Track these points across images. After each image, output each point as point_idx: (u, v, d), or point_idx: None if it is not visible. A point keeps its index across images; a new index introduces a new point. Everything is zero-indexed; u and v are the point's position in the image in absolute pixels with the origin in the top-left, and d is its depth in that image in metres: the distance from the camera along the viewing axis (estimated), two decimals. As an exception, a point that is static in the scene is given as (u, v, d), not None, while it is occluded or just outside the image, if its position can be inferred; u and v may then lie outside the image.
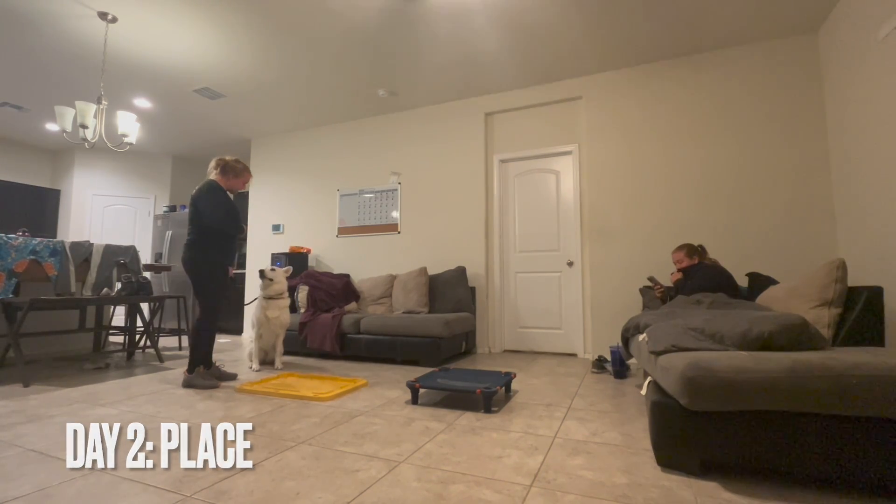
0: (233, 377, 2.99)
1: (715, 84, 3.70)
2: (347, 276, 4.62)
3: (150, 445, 1.74)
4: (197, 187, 2.83)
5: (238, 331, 5.83)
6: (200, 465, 1.56)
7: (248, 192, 6.33)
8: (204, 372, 2.80)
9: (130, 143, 3.49)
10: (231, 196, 2.97)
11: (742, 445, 1.41)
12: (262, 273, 3.44)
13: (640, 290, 3.54)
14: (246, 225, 3.12)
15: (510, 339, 4.36)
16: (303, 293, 4.39)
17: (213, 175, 2.92)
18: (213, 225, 2.77)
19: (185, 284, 5.74)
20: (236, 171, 2.97)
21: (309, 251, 5.22)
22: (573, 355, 4.07)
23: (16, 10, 3.18)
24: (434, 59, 3.89)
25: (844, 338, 1.93)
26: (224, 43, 3.63)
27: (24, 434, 1.89)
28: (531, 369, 3.40)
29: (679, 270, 3.12)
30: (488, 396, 2.23)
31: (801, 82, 3.45)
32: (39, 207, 6.10)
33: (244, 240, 2.96)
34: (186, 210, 6.07)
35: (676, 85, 3.83)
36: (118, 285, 3.97)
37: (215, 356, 3.98)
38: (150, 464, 1.57)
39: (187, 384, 2.74)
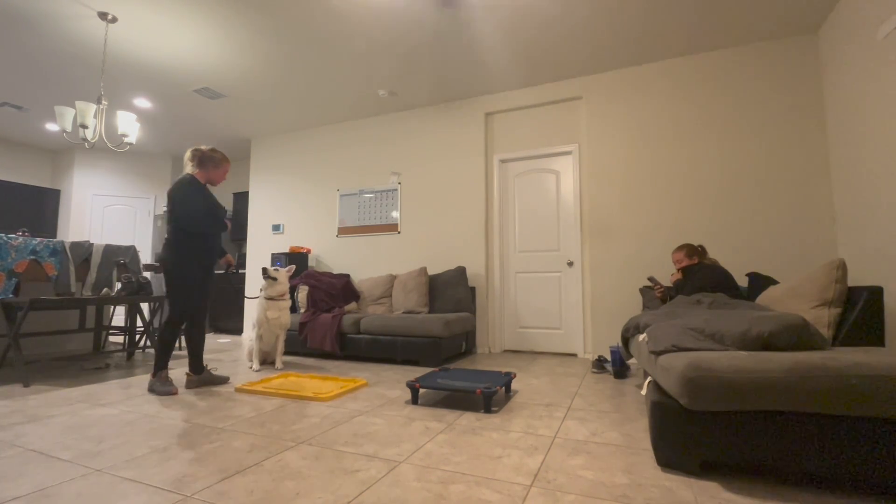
0: (224, 381, 2.90)
1: (715, 84, 3.71)
2: (347, 276, 4.62)
3: (150, 445, 1.75)
4: (173, 183, 2.68)
5: (238, 331, 5.83)
6: (201, 464, 1.56)
7: (248, 192, 6.34)
8: (165, 377, 2.64)
9: (130, 143, 3.49)
10: (210, 189, 2.81)
11: (742, 445, 1.41)
12: (265, 272, 3.39)
13: (640, 290, 3.54)
14: (227, 218, 2.98)
15: (510, 339, 4.36)
16: (303, 293, 4.39)
17: (188, 168, 2.74)
18: (190, 225, 2.62)
19: (185, 284, 5.75)
20: (215, 161, 2.77)
21: (309, 251, 5.22)
22: (573, 355, 4.07)
23: (16, 10, 3.18)
24: (434, 60, 3.89)
25: (844, 338, 1.93)
26: (224, 43, 3.64)
27: (24, 434, 1.89)
28: (531, 369, 3.40)
29: (679, 270, 3.12)
30: (488, 396, 2.23)
31: (801, 82, 3.45)
32: (39, 207, 6.10)
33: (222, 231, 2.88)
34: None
35: (675, 85, 3.83)
36: (118, 285, 3.97)
37: (215, 356, 4.00)
38: (150, 464, 1.57)
39: (149, 389, 2.64)
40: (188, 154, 2.75)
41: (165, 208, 2.60)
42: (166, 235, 2.67)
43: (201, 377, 2.82)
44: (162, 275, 5.85)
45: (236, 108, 4.95)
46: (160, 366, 2.66)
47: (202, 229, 2.68)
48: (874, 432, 1.30)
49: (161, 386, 2.61)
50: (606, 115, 4.06)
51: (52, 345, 3.87)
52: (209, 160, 2.77)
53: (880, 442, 1.29)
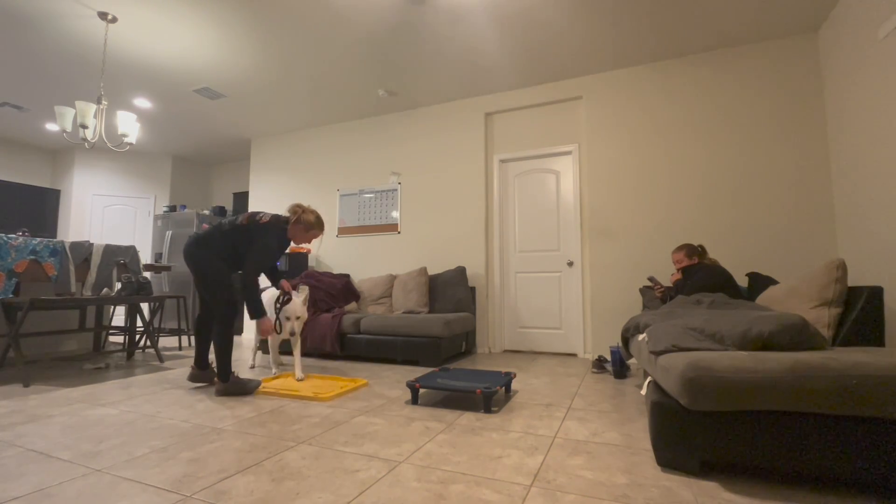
0: (256, 385, 2.83)
1: (715, 84, 3.71)
2: (347, 276, 4.62)
3: (150, 445, 1.75)
4: (268, 222, 2.67)
5: (238, 331, 5.83)
6: (201, 464, 1.56)
7: (248, 192, 6.34)
8: (237, 378, 2.60)
9: (130, 143, 3.49)
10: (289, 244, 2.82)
11: (742, 445, 1.41)
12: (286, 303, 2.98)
13: (640, 290, 3.54)
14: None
15: (510, 339, 4.36)
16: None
17: (289, 214, 2.79)
18: (253, 270, 2.57)
19: (186, 284, 5.77)
20: (307, 224, 2.78)
21: (309, 251, 5.22)
22: (573, 355, 4.07)
23: (16, 10, 3.18)
24: (434, 59, 3.89)
25: (844, 338, 1.93)
26: (224, 43, 3.64)
27: (24, 434, 1.89)
28: (531, 369, 3.40)
29: (679, 270, 3.12)
30: (488, 396, 2.23)
31: (801, 82, 3.45)
32: (39, 207, 6.10)
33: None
34: (186, 210, 6.10)
35: (676, 85, 3.83)
36: (118, 285, 3.97)
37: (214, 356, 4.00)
38: (150, 463, 1.57)
39: (226, 392, 2.55)
40: (294, 205, 2.81)
41: (236, 219, 2.56)
42: (220, 232, 2.59)
43: (206, 373, 2.78)
44: (164, 275, 5.87)
45: (236, 108, 4.95)
46: (228, 370, 2.57)
47: (253, 276, 2.62)
48: (874, 432, 1.30)
49: (244, 384, 2.56)
50: (606, 115, 4.06)
51: (52, 345, 3.87)
52: (303, 222, 2.77)
53: (880, 442, 1.29)
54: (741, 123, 3.61)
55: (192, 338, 5.17)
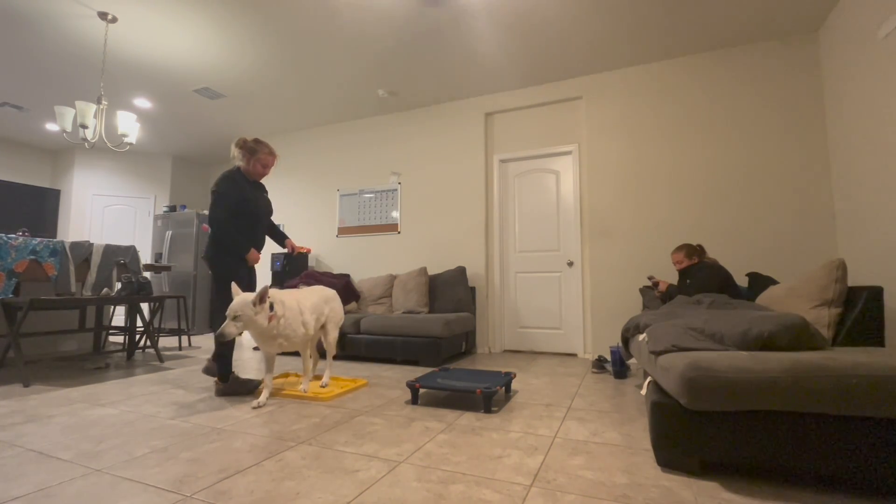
0: (255, 385, 2.83)
1: (715, 84, 3.71)
2: (347, 276, 4.62)
3: (150, 445, 1.75)
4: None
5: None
6: (201, 464, 1.56)
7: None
8: (237, 377, 2.59)
9: (130, 143, 3.49)
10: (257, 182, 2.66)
11: (742, 445, 1.41)
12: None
13: (640, 290, 3.54)
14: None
15: (510, 339, 4.36)
16: (303, 293, 4.38)
17: (236, 160, 2.62)
18: (216, 233, 2.48)
19: (186, 284, 5.77)
20: (250, 150, 2.60)
21: (309, 251, 5.21)
22: (573, 355, 4.07)
23: (16, 10, 3.18)
24: (434, 59, 3.89)
25: (844, 338, 1.93)
26: (224, 43, 3.63)
27: (24, 434, 1.89)
28: (531, 369, 3.40)
29: (678, 271, 3.13)
30: (488, 396, 2.23)
31: (801, 82, 3.45)
32: (39, 207, 6.10)
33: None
34: (186, 210, 6.10)
35: (676, 85, 3.83)
36: (118, 285, 3.97)
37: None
38: (150, 463, 1.57)
39: (226, 392, 2.55)
40: (236, 140, 2.64)
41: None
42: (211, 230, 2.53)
43: (227, 386, 2.63)
44: (164, 275, 5.86)
45: (236, 108, 4.95)
46: (228, 370, 2.56)
47: (221, 238, 2.51)
48: (874, 432, 1.30)
49: (242, 385, 2.56)
50: (606, 115, 4.06)
51: (52, 345, 3.87)
52: (247, 150, 2.61)
53: (880, 442, 1.29)
54: (741, 124, 3.61)
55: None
